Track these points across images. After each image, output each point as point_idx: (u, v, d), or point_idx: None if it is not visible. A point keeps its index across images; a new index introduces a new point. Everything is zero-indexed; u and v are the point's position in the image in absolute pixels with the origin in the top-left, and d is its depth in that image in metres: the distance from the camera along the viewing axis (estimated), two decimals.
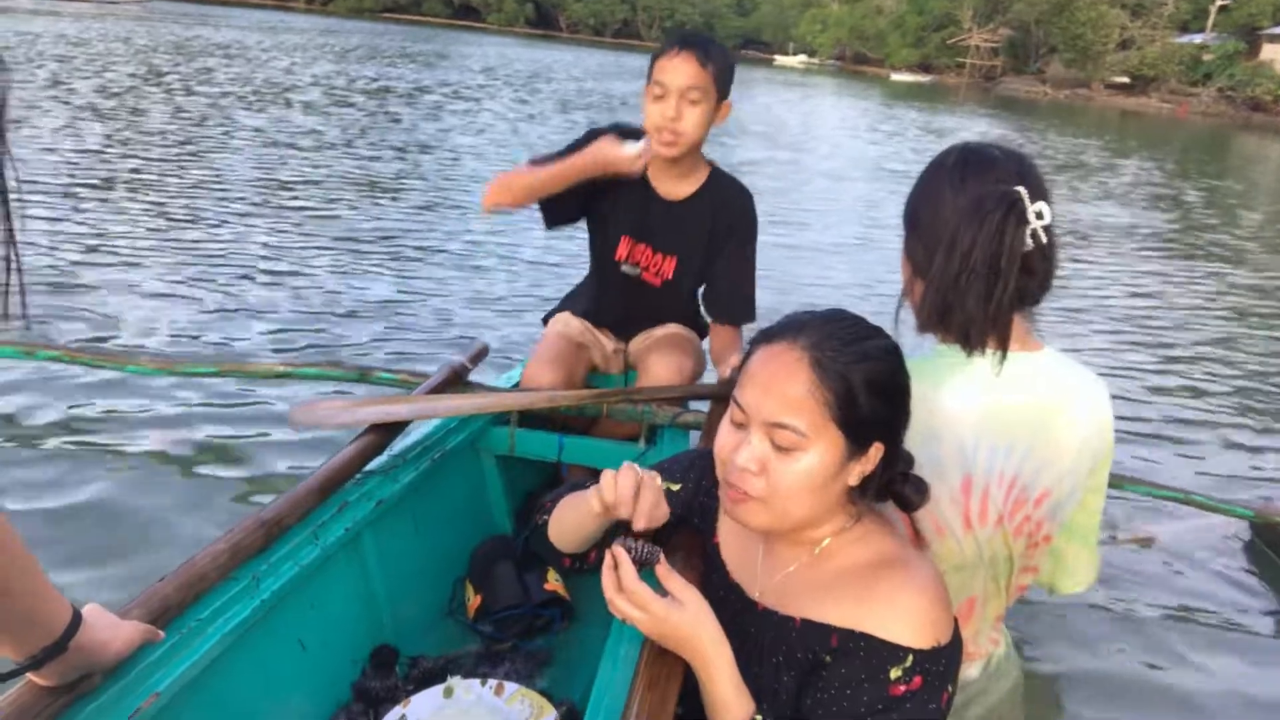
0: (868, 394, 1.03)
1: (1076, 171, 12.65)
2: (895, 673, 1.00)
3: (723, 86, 2.08)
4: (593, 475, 1.29)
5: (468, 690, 1.69)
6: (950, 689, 1.04)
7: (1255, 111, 23.42)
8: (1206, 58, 39.11)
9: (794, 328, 1.08)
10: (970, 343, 1.23)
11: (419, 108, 12.05)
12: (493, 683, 1.71)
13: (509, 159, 8.96)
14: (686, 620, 1.05)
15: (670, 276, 2.31)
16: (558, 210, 2.26)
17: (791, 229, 7.20)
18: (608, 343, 2.47)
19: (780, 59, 70.27)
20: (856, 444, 1.05)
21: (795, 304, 1.15)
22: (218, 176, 6.78)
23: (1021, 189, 1.18)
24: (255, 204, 6.10)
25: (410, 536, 1.95)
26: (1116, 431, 1.33)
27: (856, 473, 1.08)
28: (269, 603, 1.42)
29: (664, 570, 1.09)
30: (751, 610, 1.16)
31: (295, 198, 6.41)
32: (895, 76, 55.06)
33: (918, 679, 1.00)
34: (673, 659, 1.10)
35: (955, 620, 1.07)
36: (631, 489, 1.18)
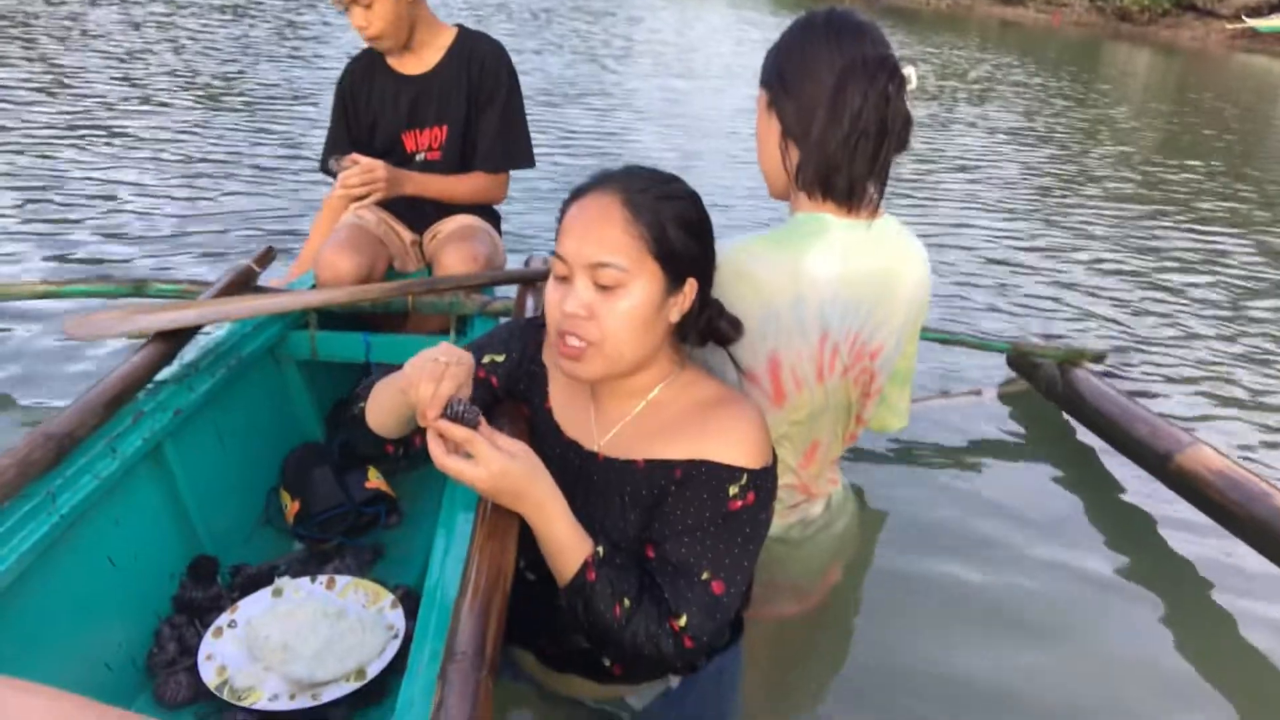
0: (678, 229, 1.13)
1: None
2: (733, 490, 1.14)
3: None
4: None
5: (297, 589, 1.67)
6: (773, 503, 1.20)
7: (1123, 21, 25.09)
8: None
9: (601, 179, 1.17)
10: (853, 200, 1.36)
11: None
12: (323, 578, 1.70)
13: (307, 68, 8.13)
14: (520, 469, 1.08)
15: (444, 141, 2.33)
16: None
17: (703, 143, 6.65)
18: (405, 234, 2.41)
19: None
20: (673, 279, 1.14)
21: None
22: None
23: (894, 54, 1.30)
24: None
25: (215, 447, 1.87)
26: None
27: (676, 310, 1.17)
28: (69, 518, 1.33)
29: (487, 432, 1.08)
30: (592, 461, 1.23)
31: (54, 97, 5.56)
32: None
33: (751, 494, 1.15)
34: (508, 512, 1.13)
35: (772, 446, 1.21)
36: (434, 387, 1.06)
